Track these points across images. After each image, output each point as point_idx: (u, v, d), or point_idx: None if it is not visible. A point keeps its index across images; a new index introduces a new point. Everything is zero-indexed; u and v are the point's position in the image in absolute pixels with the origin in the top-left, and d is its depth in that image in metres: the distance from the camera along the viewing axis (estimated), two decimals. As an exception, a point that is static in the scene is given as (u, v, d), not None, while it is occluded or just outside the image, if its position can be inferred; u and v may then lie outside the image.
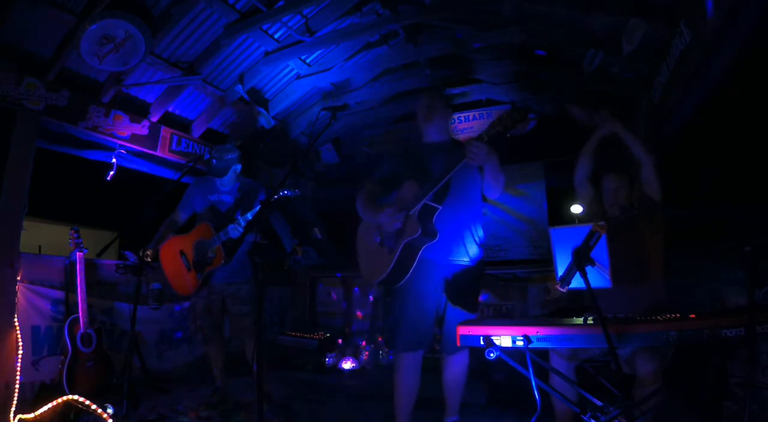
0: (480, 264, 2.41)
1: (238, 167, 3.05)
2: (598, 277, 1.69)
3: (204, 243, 2.83)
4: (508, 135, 2.15)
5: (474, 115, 5.11)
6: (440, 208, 2.19)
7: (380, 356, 4.58)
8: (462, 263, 2.33)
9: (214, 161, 2.99)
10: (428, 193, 2.16)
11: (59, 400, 2.60)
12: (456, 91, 4.86)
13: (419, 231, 2.14)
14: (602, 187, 2.50)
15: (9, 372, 2.81)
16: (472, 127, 5.14)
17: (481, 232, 2.43)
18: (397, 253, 2.18)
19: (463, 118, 5.15)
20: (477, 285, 2.47)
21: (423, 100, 2.53)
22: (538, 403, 1.65)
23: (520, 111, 2.06)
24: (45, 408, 2.61)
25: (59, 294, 3.22)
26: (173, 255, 2.95)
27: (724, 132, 3.91)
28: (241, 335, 2.97)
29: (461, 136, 5.13)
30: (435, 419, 2.43)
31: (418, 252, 2.19)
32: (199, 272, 2.84)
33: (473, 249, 2.36)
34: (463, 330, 1.74)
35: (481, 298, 4.80)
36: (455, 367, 2.36)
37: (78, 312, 2.99)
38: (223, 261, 2.79)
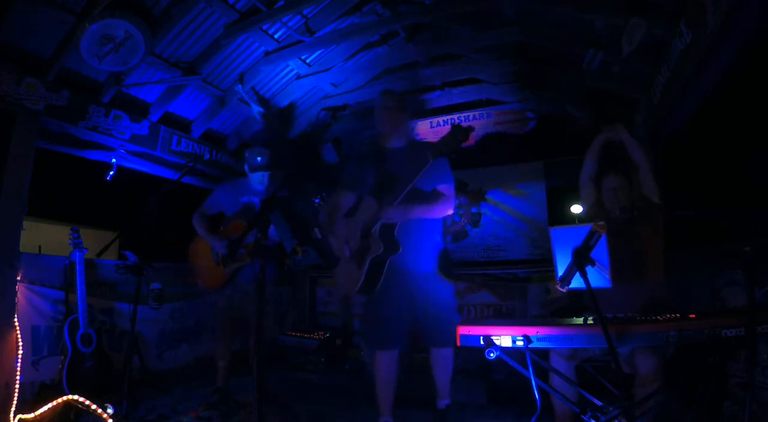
0: (447, 272, 2.50)
1: (267, 170, 3.11)
2: (598, 277, 1.70)
3: (236, 240, 2.88)
4: (454, 155, 2.28)
5: (474, 115, 5.11)
6: (398, 222, 2.31)
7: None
8: (428, 270, 2.43)
9: (246, 166, 3.11)
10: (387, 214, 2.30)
11: (59, 400, 2.60)
12: (456, 91, 4.86)
13: (382, 249, 2.29)
14: (602, 186, 2.52)
15: (9, 372, 2.81)
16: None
17: (439, 238, 2.53)
18: (365, 270, 2.33)
19: (463, 118, 5.15)
20: (448, 288, 2.51)
21: (380, 101, 2.54)
22: (538, 403, 1.65)
23: (462, 131, 2.15)
24: (45, 408, 2.61)
25: (59, 294, 3.22)
26: (205, 249, 3.05)
27: (724, 132, 3.91)
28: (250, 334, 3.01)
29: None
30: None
31: (384, 266, 2.33)
32: (227, 267, 2.92)
33: (436, 256, 2.47)
34: (463, 330, 1.74)
35: (481, 298, 4.85)
36: (440, 358, 2.47)
37: (78, 312, 2.99)
38: (251, 259, 2.84)
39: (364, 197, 2.45)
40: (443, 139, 2.20)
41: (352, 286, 2.39)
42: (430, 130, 5.34)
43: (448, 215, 2.52)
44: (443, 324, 2.37)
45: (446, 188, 2.45)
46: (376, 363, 2.47)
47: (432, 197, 2.42)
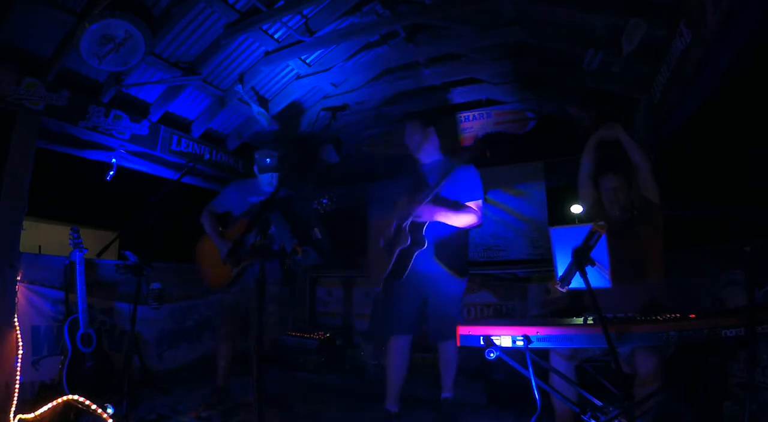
0: (464, 275, 2.79)
1: (276, 172, 3.13)
2: (598, 277, 1.69)
3: (243, 239, 2.89)
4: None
5: (474, 115, 5.11)
6: (426, 221, 2.63)
7: (380, 356, 4.58)
8: (442, 271, 2.69)
9: (255, 167, 3.13)
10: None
11: (59, 400, 2.60)
12: (456, 91, 4.86)
13: (409, 242, 2.61)
14: (601, 186, 2.52)
15: (9, 372, 2.81)
16: (472, 127, 5.14)
17: (458, 242, 2.76)
18: (393, 259, 2.67)
19: (463, 118, 5.15)
20: (460, 290, 2.80)
21: (406, 131, 2.92)
22: (538, 403, 1.65)
23: (480, 148, 2.53)
24: (45, 408, 2.61)
25: (59, 294, 3.22)
26: (213, 248, 3.06)
27: (723, 132, 3.91)
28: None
29: (461, 136, 5.13)
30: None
31: (411, 258, 2.63)
32: (233, 266, 2.94)
33: (456, 259, 2.74)
34: (463, 330, 1.74)
35: (481, 298, 4.85)
36: (444, 352, 2.76)
37: (78, 312, 2.99)
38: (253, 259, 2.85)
39: (401, 197, 2.79)
40: (469, 150, 2.55)
41: (381, 272, 2.73)
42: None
43: (475, 226, 2.73)
44: (446, 320, 2.67)
45: (475, 203, 2.72)
46: (389, 348, 2.76)
47: (459, 206, 2.70)
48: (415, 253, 2.62)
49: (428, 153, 2.87)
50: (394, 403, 2.72)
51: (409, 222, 2.65)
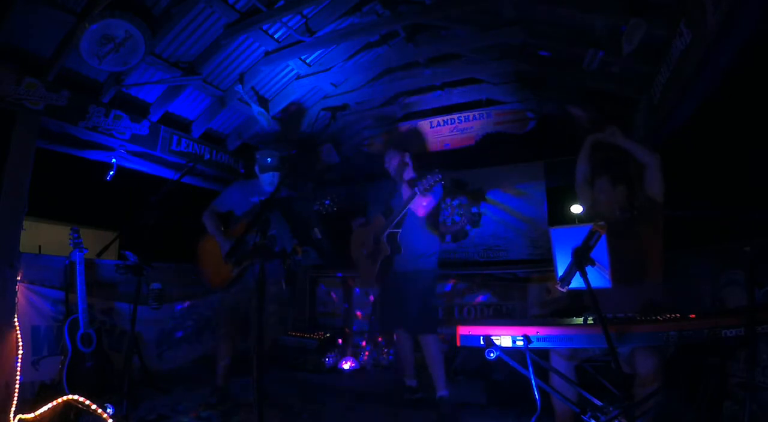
0: (432, 267, 3.14)
1: (278, 172, 3.14)
2: (598, 277, 1.70)
3: (245, 239, 2.89)
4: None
5: (474, 115, 5.12)
6: (400, 231, 3.05)
7: (380, 356, 4.58)
8: (418, 268, 3.05)
9: (256, 167, 3.16)
10: (390, 225, 3.05)
11: (59, 400, 2.60)
12: (456, 91, 4.86)
13: (389, 251, 3.03)
14: (597, 188, 2.50)
15: (9, 372, 2.81)
16: (472, 127, 5.14)
17: (433, 243, 3.15)
18: (377, 268, 3.09)
19: (463, 118, 5.15)
20: (431, 283, 3.14)
21: (385, 157, 3.28)
22: (538, 403, 1.65)
23: (435, 178, 2.72)
24: (45, 408, 2.61)
25: (59, 294, 3.22)
26: (214, 248, 3.07)
27: (723, 132, 3.91)
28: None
29: (461, 136, 5.14)
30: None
31: (391, 265, 3.10)
32: (234, 266, 2.95)
33: (427, 256, 3.10)
34: (463, 330, 1.74)
35: (480, 298, 4.86)
36: (425, 346, 2.98)
37: (78, 312, 3.00)
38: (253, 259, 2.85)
39: (378, 214, 3.22)
40: (425, 180, 2.76)
41: (368, 281, 3.23)
42: (429, 129, 5.34)
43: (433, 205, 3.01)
44: (419, 315, 2.97)
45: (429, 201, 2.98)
46: (394, 338, 3.46)
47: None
48: (394, 259, 3.06)
49: (405, 175, 3.18)
50: (413, 378, 3.21)
51: (385, 234, 3.03)
